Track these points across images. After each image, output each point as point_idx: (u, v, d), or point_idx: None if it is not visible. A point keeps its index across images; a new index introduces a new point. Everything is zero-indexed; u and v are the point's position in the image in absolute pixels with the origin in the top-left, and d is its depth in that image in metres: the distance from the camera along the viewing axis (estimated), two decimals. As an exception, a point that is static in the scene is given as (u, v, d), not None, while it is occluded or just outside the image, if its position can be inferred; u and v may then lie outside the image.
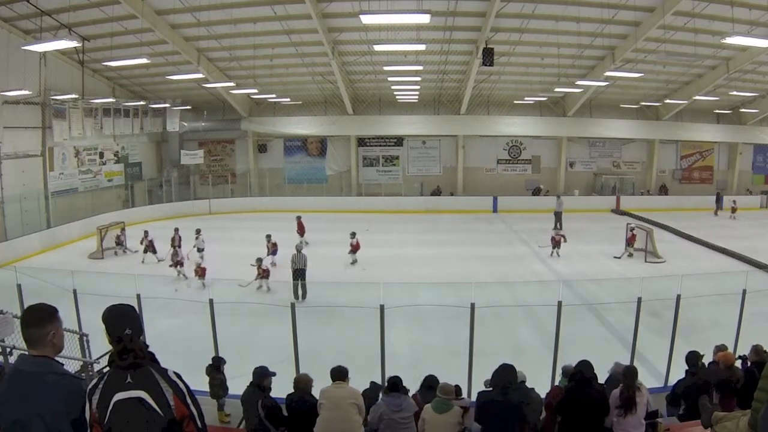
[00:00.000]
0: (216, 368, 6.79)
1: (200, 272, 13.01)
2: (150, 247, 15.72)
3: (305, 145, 27.66)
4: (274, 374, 5.29)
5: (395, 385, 4.73)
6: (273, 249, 14.86)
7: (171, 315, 10.73)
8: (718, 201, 25.02)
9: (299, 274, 12.36)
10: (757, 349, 5.82)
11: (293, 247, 13.19)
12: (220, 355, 7.52)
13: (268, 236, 15.05)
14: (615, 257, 16.20)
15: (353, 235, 15.44)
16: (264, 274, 12.71)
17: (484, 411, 4.12)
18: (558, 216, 20.73)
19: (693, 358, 5.62)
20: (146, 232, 15.88)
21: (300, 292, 11.98)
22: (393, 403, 4.62)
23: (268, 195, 25.74)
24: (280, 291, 12.22)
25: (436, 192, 27.19)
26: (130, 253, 16.76)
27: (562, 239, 15.96)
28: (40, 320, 2.19)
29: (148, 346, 2.20)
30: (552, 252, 15.88)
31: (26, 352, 2.24)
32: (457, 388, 5.25)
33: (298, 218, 17.97)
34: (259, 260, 12.91)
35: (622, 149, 28.14)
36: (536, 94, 23.77)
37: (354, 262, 15.29)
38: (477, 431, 4.36)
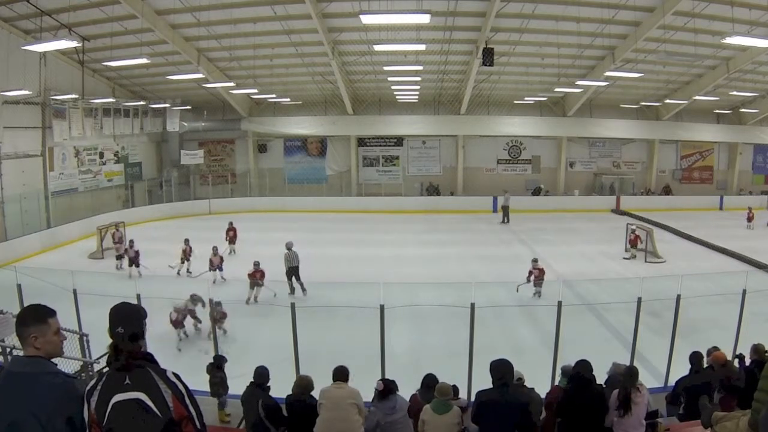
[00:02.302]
0: (217, 367, 6.80)
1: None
2: (135, 260, 13.88)
3: (305, 145, 27.65)
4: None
5: (388, 390, 4.70)
6: (219, 263, 13.38)
7: (171, 315, 10.70)
8: None
9: (293, 271, 12.53)
10: (756, 348, 5.82)
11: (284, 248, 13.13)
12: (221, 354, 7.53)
13: (215, 248, 13.64)
14: (624, 258, 16.18)
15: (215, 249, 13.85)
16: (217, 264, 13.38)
17: (481, 411, 4.12)
18: (505, 210, 22.55)
19: (696, 357, 5.64)
20: (131, 242, 14.29)
21: (296, 286, 12.40)
22: (386, 407, 4.61)
23: (268, 195, 25.75)
24: (280, 291, 12.20)
25: (433, 190, 27.15)
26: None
27: (542, 273, 12.39)
28: (23, 321, 2.17)
29: (141, 347, 2.17)
30: (535, 292, 12.20)
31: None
32: (454, 388, 5.26)
33: (231, 224, 16.84)
34: (215, 248, 13.68)
35: (622, 149, 28.14)
36: (536, 94, 23.77)
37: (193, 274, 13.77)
38: (475, 431, 4.35)
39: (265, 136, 27.25)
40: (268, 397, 5.05)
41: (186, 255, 14.15)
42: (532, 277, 12.30)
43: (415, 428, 4.69)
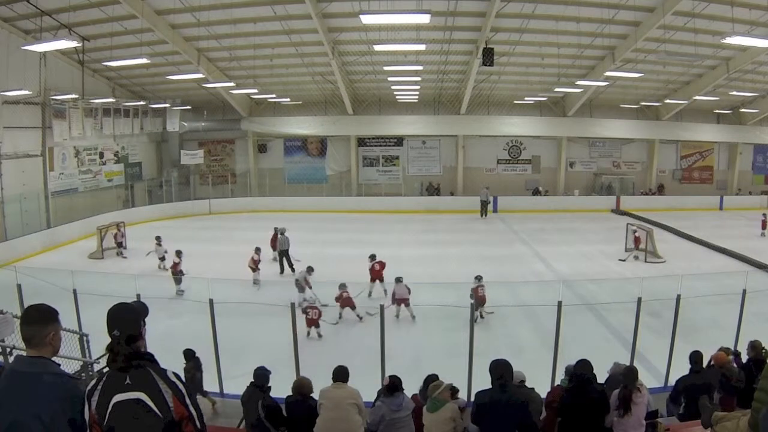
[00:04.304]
0: (194, 357, 6.84)
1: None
2: (177, 272, 12.78)
3: (305, 145, 27.66)
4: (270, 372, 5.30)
5: (395, 386, 4.72)
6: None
7: (171, 315, 10.72)
8: None
9: (283, 253, 14.40)
10: (754, 345, 5.83)
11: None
12: (220, 355, 7.55)
13: (310, 268, 12.15)
14: (620, 260, 16.01)
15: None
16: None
17: (481, 411, 4.12)
18: (484, 205, 23.69)
19: (696, 357, 5.64)
20: (179, 253, 13.04)
21: (286, 267, 14.30)
22: (393, 403, 4.63)
23: (268, 195, 25.74)
24: (280, 291, 12.21)
25: (433, 189, 27.16)
26: (127, 256, 16.51)
27: (485, 294, 10.76)
28: (42, 319, 2.19)
29: (139, 348, 2.16)
30: (476, 316, 9.59)
31: (24, 353, 2.23)
32: (454, 389, 5.26)
33: (276, 230, 15.56)
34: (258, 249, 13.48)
35: (622, 149, 28.15)
36: (536, 94, 23.77)
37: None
38: (475, 431, 4.36)
39: (265, 136, 27.25)
40: (268, 398, 5.05)
41: (256, 264, 13.29)
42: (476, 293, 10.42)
43: (416, 429, 4.70)
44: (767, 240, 18.77)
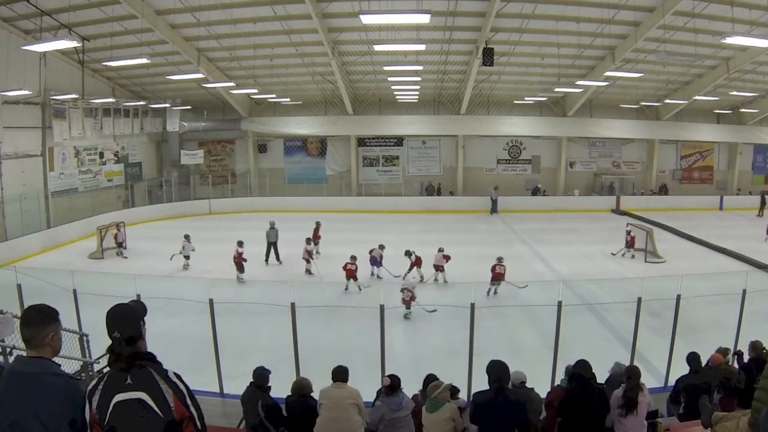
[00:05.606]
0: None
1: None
2: (240, 261, 13.47)
3: (305, 145, 27.67)
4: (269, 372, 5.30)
5: (394, 387, 4.72)
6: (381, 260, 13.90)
7: (171, 315, 10.72)
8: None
9: (272, 245, 15.42)
10: (754, 345, 5.83)
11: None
12: (220, 354, 7.53)
13: (381, 243, 14.20)
14: (612, 253, 16.42)
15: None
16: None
17: (479, 412, 4.12)
18: (494, 203, 24.95)
19: (694, 358, 5.64)
20: (240, 243, 13.74)
21: (273, 257, 15.33)
22: (393, 403, 4.63)
23: (268, 195, 25.74)
24: (279, 291, 12.20)
25: (433, 189, 27.18)
26: (127, 255, 16.55)
27: (503, 270, 12.38)
28: (42, 320, 2.18)
29: (140, 348, 2.16)
30: (489, 290, 12.27)
31: (24, 353, 2.23)
32: (454, 389, 5.25)
33: (318, 223, 16.97)
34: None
35: (622, 149, 28.15)
36: (536, 94, 23.77)
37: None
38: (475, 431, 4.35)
39: (265, 136, 27.25)
40: (268, 398, 5.05)
41: (310, 255, 14.36)
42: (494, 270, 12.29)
43: (416, 429, 4.70)
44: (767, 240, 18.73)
